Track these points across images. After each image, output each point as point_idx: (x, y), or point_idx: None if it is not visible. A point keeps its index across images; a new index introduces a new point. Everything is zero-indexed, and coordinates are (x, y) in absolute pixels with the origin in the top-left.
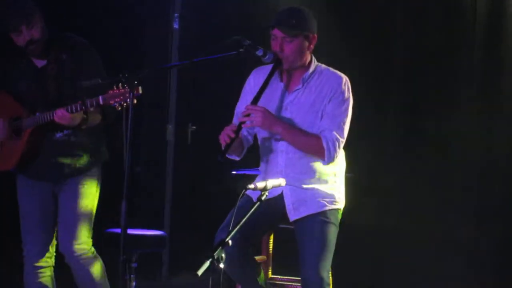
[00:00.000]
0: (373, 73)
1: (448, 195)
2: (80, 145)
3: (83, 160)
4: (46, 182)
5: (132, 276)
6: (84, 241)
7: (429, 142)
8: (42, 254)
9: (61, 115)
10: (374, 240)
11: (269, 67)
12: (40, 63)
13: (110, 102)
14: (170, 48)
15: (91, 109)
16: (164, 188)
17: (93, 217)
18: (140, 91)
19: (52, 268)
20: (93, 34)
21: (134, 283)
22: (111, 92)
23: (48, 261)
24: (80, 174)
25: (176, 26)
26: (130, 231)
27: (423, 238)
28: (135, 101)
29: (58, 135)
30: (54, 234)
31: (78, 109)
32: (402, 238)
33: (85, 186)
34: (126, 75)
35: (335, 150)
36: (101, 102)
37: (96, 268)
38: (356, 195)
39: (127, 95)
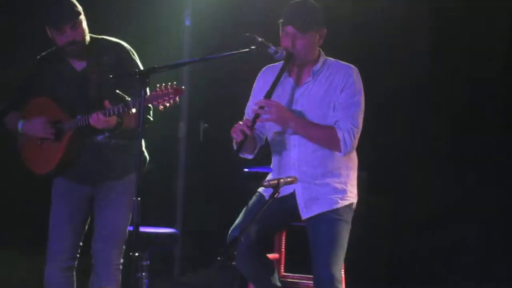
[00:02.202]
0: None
1: (461, 192)
2: (120, 148)
3: (123, 163)
4: (84, 184)
5: (144, 273)
6: (121, 252)
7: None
8: (65, 254)
9: (96, 118)
10: (387, 237)
11: (277, 66)
12: (79, 65)
13: (153, 103)
14: (182, 45)
15: (133, 110)
16: (176, 185)
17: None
18: (184, 92)
19: (74, 270)
20: (105, 32)
21: (146, 281)
22: (154, 93)
23: (70, 262)
24: (120, 178)
25: (188, 23)
26: (142, 229)
27: (436, 236)
28: (177, 99)
29: (99, 137)
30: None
31: (116, 111)
32: (415, 235)
33: (124, 192)
34: (138, 71)
35: (351, 141)
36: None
37: (118, 281)
38: (368, 192)
39: (171, 95)
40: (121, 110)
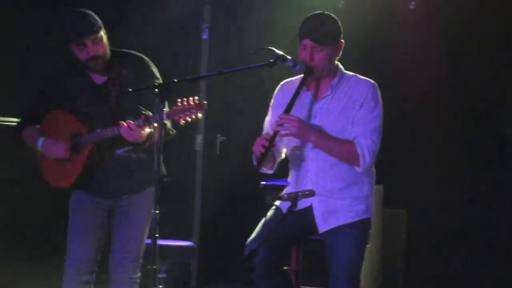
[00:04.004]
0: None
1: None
2: (140, 162)
3: (142, 177)
4: (103, 198)
5: (161, 286)
6: (139, 265)
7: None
8: (84, 268)
9: (128, 127)
10: (403, 251)
11: (295, 80)
12: (99, 79)
13: (175, 117)
14: (200, 59)
15: (155, 124)
16: (193, 198)
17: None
18: (206, 106)
19: (92, 283)
20: (123, 45)
21: None
22: (175, 107)
23: (89, 276)
24: (138, 191)
25: (205, 36)
26: (160, 242)
27: (452, 251)
28: (200, 115)
29: (119, 151)
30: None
31: (141, 124)
32: (431, 249)
33: (143, 206)
34: (157, 85)
35: (370, 156)
36: (164, 117)
37: None
38: (385, 206)
39: (193, 110)
40: (141, 124)
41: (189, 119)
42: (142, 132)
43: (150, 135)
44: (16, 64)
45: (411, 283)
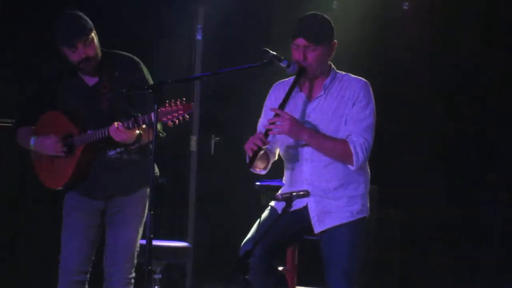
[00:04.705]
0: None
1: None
2: (132, 163)
3: (134, 178)
4: (96, 199)
5: (156, 287)
6: (133, 265)
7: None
8: (78, 268)
9: (116, 128)
10: (398, 251)
11: (288, 81)
12: (91, 81)
13: (162, 119)
14: (194, 59)
15: (143, 126)
16: (188, 199)
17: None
18: (192, 108)
19: (86, 284)
20: (117, 47)
21: None
22: (163, 109)
23: (83, 276)
24: (131, 192)
25: (199, 37)
26: (155, 242)
27: (447, 250)
28: (187, 116)
29: (111, 153)
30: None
31: (131, 126)
32: (426, 249)
33: (136, 206)
34: (151, 86)
35: (363, 154)
36: (153, 119)
37: None
38: (380, 206)
39: (180, 111)
40: (131, 126)
41: (176, 121)
42: (131, 133)
43: (139, 136)
44: (12, 66)
45: (405, 283)
